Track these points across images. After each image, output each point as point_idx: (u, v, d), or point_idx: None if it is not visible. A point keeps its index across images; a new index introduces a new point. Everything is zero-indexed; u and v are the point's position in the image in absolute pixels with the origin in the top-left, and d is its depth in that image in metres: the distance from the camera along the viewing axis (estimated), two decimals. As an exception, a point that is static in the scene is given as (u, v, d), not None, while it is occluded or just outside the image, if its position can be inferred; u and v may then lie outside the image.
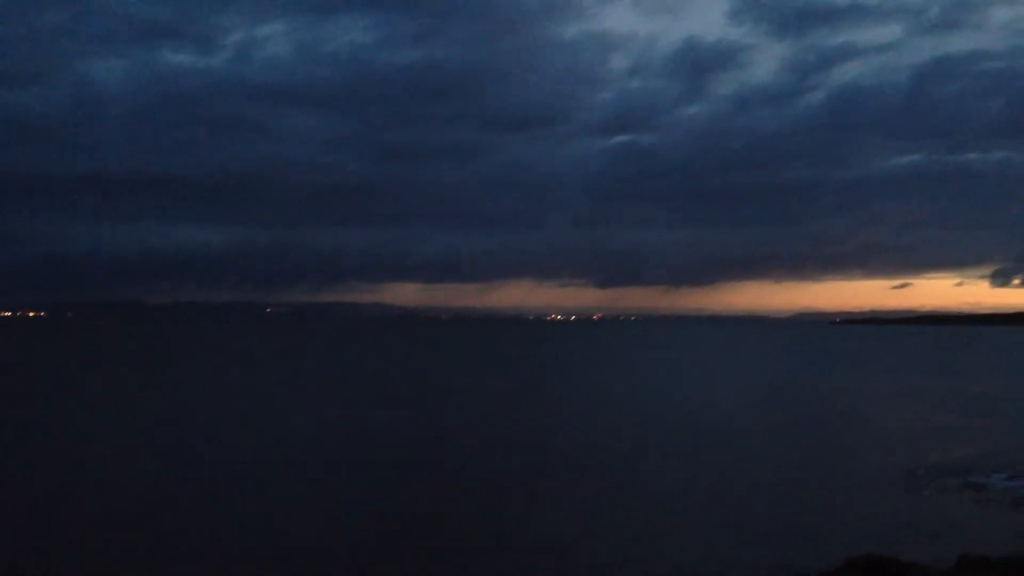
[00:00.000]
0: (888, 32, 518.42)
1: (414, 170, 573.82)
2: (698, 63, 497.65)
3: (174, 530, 20.98)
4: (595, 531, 21.46)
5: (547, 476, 28.57)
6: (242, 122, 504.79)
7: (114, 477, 27.47)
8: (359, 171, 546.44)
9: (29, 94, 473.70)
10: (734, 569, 17.65)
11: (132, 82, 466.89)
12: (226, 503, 24.02)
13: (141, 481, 26.69)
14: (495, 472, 29.16)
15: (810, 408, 50.82)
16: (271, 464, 30.01)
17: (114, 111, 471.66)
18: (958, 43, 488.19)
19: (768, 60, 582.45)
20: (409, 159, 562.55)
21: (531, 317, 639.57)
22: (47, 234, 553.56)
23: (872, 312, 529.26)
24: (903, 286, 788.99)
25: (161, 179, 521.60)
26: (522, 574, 17.45)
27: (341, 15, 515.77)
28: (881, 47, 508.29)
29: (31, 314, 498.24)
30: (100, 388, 58.57)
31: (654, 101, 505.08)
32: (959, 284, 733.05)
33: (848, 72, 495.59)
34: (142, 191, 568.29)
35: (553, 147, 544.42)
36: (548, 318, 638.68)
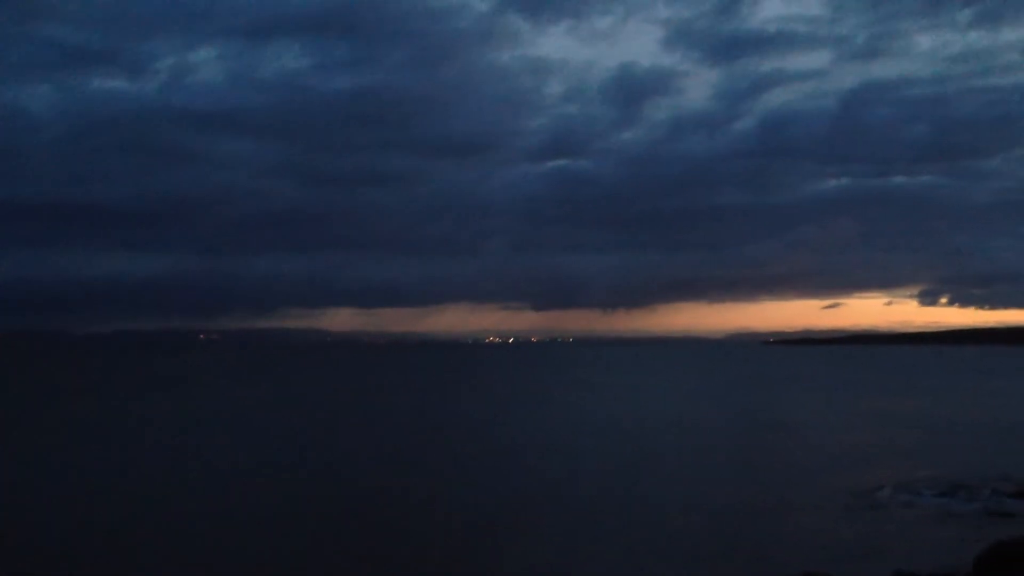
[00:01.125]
0: (817, 59, 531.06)
1: (349, 196, 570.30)
2: (633, 89, 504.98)
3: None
4: (532, 558, 21.30)
5: (478, 503, 28.25)
6: (174, 148, 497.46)
7: (28, 516, 26.52)
8: (294, 197, 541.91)
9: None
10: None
11: (60, 108, 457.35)
12: (156, 540, 23.26)
13: (57, 522, 25.67)
14: (426, 499, 28.83)
15: (744, 428, 51.31)
16: (208, 498, 29.22)
17: (42, 137, 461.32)
18: (884, 69, 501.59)
19: (701, 86, 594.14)
20: (344, 185, 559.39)
21: (469, 340, 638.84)
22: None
23: (805, 331, 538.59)
24: (834, 306, 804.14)
25: (90, 206, 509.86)
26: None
27: (275, 41, 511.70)
28: (810, 73, 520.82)
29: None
30: (17, 420, 56.86)
31: (589, 126, 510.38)
32: (888, 303, 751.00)
33: (778, 98, 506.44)
34: (70, 218, 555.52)
35: (489, 172, 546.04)
36: (487, 341, 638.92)
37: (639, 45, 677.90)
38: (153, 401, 73.70)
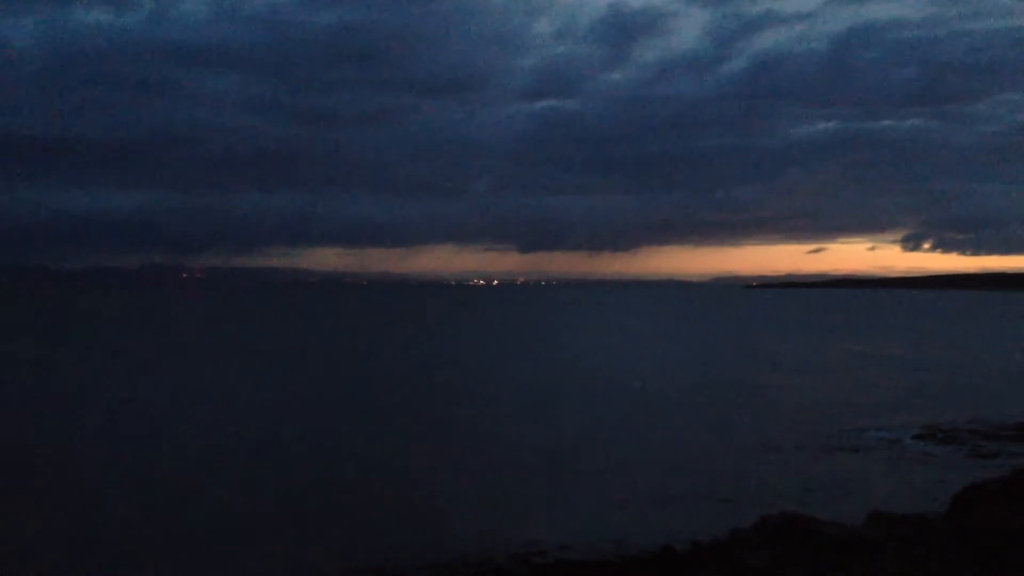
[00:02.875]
0: (808, 0, 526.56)
1: (334, 134, 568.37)
2: (622, 29, 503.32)
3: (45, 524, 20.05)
4: (503, 498, 21.22)
5: (454, 444, 28.16)
6: (157, 83, 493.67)
7: None
8: (277, 134, 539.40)
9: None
10: (646, 530, 17.52)
11: (43, 41, 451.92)
12: (112, 489, 22.93)
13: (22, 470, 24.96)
14: (403, 452, 28.72)
15: (722, 372, 51.37)
16: (168, 444, 28.89)
17: (24, 70, 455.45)
18: (875, 11, 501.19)
19: (691, 27, 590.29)
20: (329, 123, 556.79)
21: (453, 282, 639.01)
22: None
23: (788, 276, 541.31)
24: (818, 250, 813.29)
25: (72, 141, 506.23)
26: (445, 555, 16.97)
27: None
28: (801, 15, 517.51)
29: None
30: None
31: (578, 66, 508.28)
32: (872, 248, 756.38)
33: (768, 39, 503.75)
34: (52, 153, 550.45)
35: (476, 112, 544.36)
36: (471, 283, 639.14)
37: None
38: (132, 342, 73.35)
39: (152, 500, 20.52)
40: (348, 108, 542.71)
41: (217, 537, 17.90)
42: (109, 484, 21.97)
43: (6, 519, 18.86)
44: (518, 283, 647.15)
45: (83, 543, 17.35)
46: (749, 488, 21.61)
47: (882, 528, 15.70)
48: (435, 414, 33.65)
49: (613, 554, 16.32)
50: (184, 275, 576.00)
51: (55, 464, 23.97)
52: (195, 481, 22.45)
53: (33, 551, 16.81)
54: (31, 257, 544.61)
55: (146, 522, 18.69)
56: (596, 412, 34.35)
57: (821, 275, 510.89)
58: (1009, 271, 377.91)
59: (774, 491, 21.04)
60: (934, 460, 25.12)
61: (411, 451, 26.49)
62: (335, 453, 25.98)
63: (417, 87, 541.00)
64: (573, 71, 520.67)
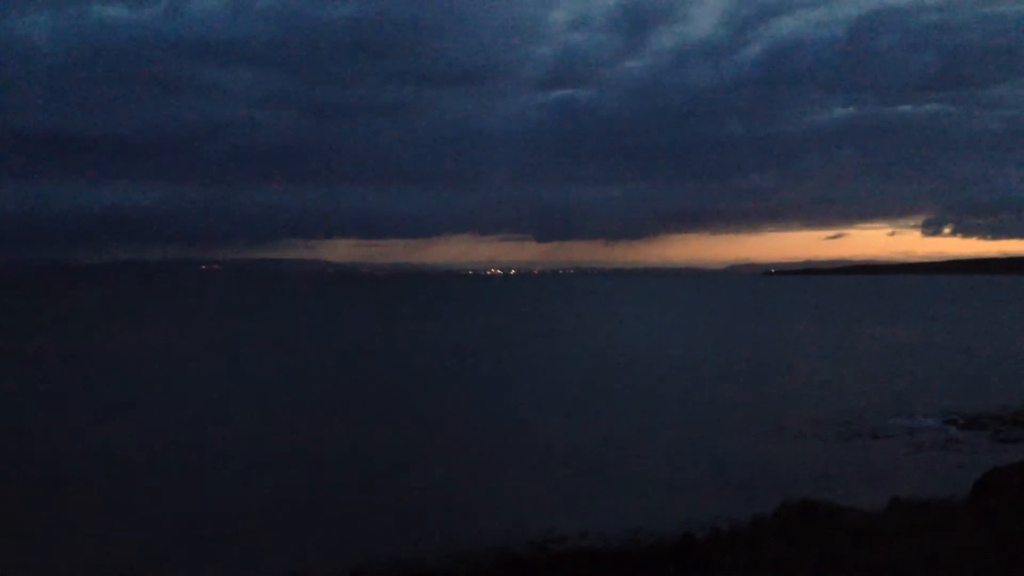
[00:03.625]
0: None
1: (351, 127, 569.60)
2: (638, 17, 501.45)
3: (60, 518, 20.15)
4: (524, 487, 21.25)
5: (474, 434, 28.20)
6: (174, 78, 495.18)
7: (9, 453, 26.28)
8: (294, 128, 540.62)
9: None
10: (666, 518, 17.51)
11: (60, 37, 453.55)
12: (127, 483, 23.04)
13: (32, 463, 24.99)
14: (419, 427, 28.79)
15: (741, 358, 51.19)
16: (192, 436, 29.10)
17: (41, 66, 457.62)
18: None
19: (707, 14, 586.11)
20: (345, 116, 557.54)
21: (470, 272, 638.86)
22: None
23: (807, 262, 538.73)
24: (837, 236, 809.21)
25: (89, 137, 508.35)
26: (465, 543, 17.04)
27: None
28: (817, 0, 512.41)
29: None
30: (17, 350, 56.84)
31: (594, 55, 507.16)
32: (892, 234, 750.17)
33: (785, 25, 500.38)
34: (69, 149, 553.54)
35: (492, 102, 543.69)
36: (487, 272, 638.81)
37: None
38: (157, 333, 73.70)
39: (159, 498, 20.67)
40: (364, 101, 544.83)
41: (246, 528, 18.03)
42: (109, 482, 22.02)
43: (10, 519, 18.95)
44: (535, 272, 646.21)
45: (86, 542, 17.38)
46: (769, 474, 21.55)
47: (903, 514, 15.62)
48: (454, 405, 33.73)
49: (632, 542, 16.31)
50: (203, 267, 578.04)
51: (59, 462, 24.14)
52: (227, 472, 22.63)
53: (37, 550, 16.85)
54: (50, 252, 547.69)
55: (149, 522, 18.73)
56: (615, 400, 34.33)
57: (840, 261, 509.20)
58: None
59: (794, 477, 20.97)
60: (956, 446, 24.99)
61: (430, 441, 26.55)
62: (356, 444, 26.07)
63: (433, 79, 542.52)
64: (589, 60, 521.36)
